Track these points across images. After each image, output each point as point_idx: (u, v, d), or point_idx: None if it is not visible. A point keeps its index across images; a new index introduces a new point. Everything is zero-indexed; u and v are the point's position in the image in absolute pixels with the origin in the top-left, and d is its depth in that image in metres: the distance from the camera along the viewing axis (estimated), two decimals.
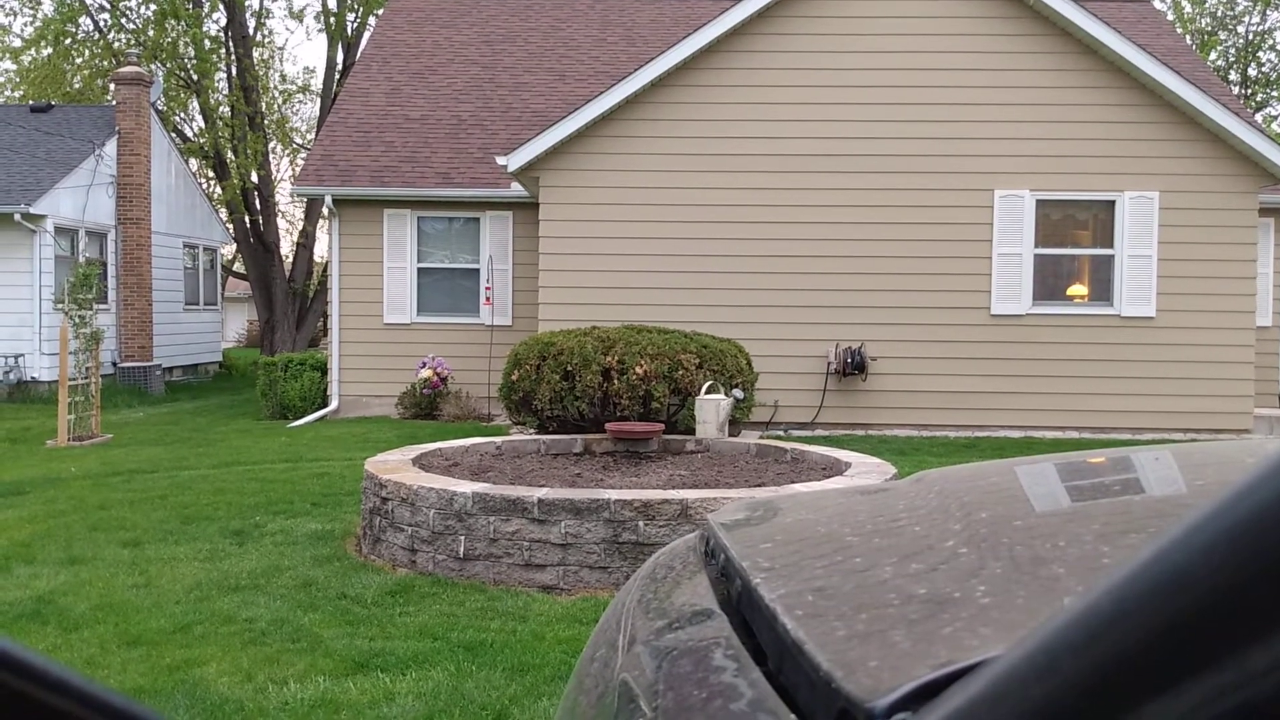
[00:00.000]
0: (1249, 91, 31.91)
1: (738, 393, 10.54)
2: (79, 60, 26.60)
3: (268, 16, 40.48)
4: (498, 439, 8.15)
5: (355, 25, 26.22)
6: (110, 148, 19.25)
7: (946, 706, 0.58)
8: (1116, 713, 0.46)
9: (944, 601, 0.99)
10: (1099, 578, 0.49)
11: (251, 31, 25.52)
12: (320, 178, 14.78)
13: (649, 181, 12.71)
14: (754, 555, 1.27)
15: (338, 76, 25.30)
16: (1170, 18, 28.68)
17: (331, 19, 25.39)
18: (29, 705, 0.46)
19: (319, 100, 26.94)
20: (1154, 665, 0.45)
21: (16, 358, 17.16)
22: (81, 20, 24.71)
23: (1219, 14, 31.79)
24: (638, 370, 10.25)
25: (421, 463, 6.95)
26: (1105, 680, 0.47)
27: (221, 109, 24.96)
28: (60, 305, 12.91)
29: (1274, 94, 32.58)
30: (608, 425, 8.16)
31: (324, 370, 14.89)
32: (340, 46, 25.91)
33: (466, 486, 5.83)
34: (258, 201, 24.43)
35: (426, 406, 14.03)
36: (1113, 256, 12.65)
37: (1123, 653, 0.46)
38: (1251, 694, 0.42)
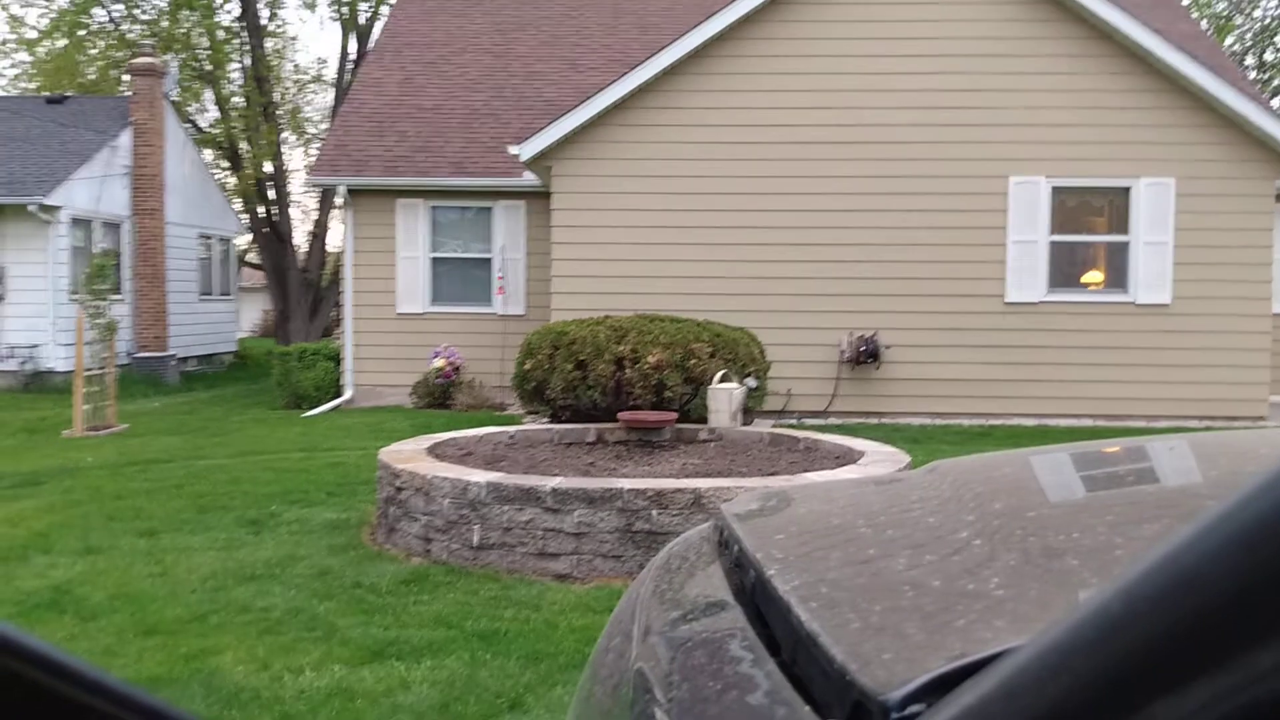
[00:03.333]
0: (1266, 76, 31.66)
1: (750, 381, 10.53)
2: (93, 51, 26.69)
3: (280, 6, 40.48)
4: (511, 428, 8.16)
5: (368, 15, 26.23)
6: (125, 139, 19.30)
7: (960, 703, 0.58)
8: (1128, 711, 0.46)
9: (958, 593, 1.00)
10: (1113, 573, 0.50)
11: (265, 21, 25.56)
12: (334, 168, 14.80)
13: (662, 170, 12.69)
14: (767, 546, 1.27)
15: (351, 66, 25.35)
16: (1186, 2, 28.46)
17: (344, 8, 25.41)
18: (63, 704, 0.47)
19: (332, 90, 27.00)
20: (1165, 665, 0.45)
21: (32, 348, 17.26)
22: (96, 11, 24.79)
23: None
24: (650, 359, 10.25)
25: (435, 452, 6.97)
26: (1117, 679, 0.47)
27: (235, 99, 25.02)
28: (76, 296, 12.98)
29: None
30: (620, 414, 8.17)
31: (338, 360, 14.94)
32: (353, 36, 25.96)
33: (480, 476, 5.84)
34: (271, 192, 24.50)
35: (440, 396, 14.06)
36: (1128, 243, 12.58)
37: (1135, 652, 0.47)
38: (1261, 694, 0.42)
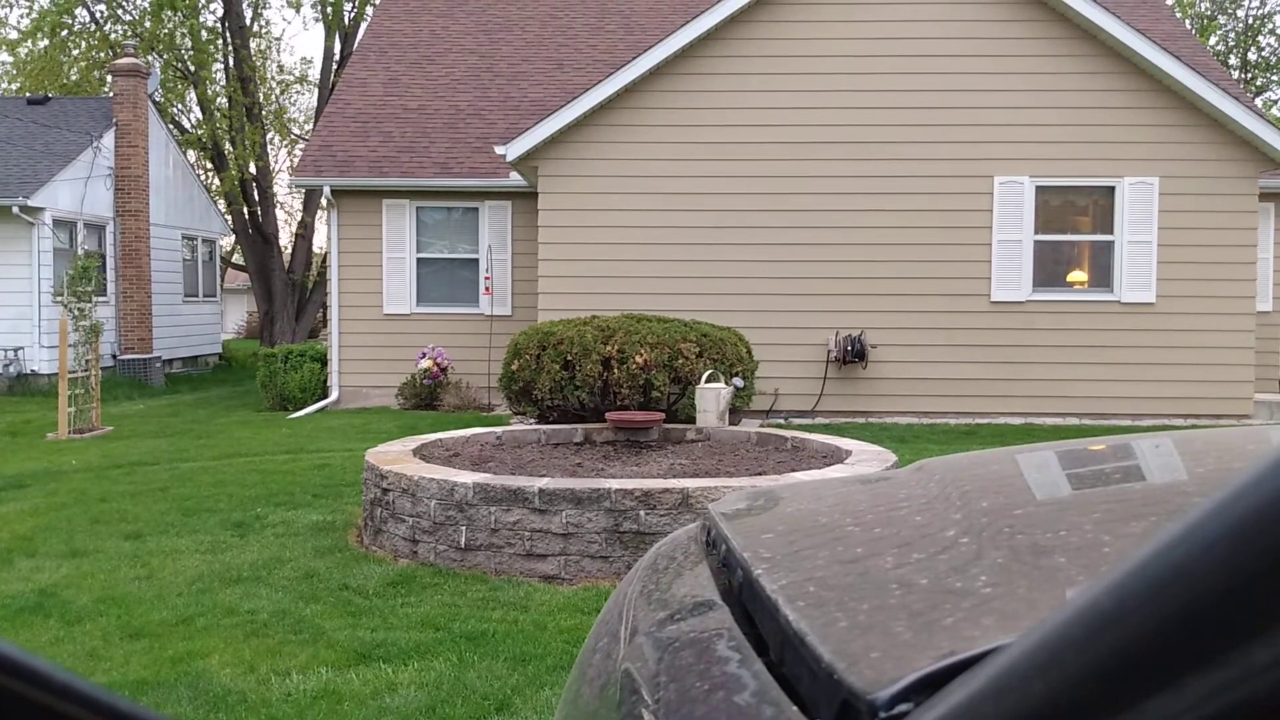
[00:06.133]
0: (1249, 76, 31.84)
1: (738, 381, 10.54)
2: (76, 52, 26.55)
3: (265, 7, 40.35)
4: (498, 429, 8.15)
5: (352, 15, 26.16)
6: (108, 140, 19.21)
7: (949, 701, 0.58)
8: (1118, 708, 0.46)
9: (946, 592, 0.99)
10: (1101, 570, 0.50)
11: (248, 22, 25.46)
12: (318, 168, 14.75)
13: (648, 170, 12.69)
14: (755, 545, 1.27)
15: (335, 67, 25.27)
16: (1169, 1, 28.58)
17: (329, 9, 25.33)
18: (36, 711, 0.46)
19: (317, 91, 26.93)
20: (1156, 661, 0.45)
21: (16, 350, 17.16)
22: (78, 12, 24.65)
23: None
24: (638, 359, 10.24)
25: (422, 453, 6.96)
26: (1107, 676, 0.47)
27: (219, 100, 24.92)
28: (59, 298, 12.91)
29: (1274, 78, 32.50)
30: (608, 415, 8.16)
31: (324, 361, 14.89)
32: (338, 36, 25.87)
33: (467, 477, 5.83)
34: (256, 193, 24.40)
35: (427, 397, 14.03)
36: (1113, 242, 12.64)
37: (1124, 649, 0.46)
38: (1253, 690, 0.42)
